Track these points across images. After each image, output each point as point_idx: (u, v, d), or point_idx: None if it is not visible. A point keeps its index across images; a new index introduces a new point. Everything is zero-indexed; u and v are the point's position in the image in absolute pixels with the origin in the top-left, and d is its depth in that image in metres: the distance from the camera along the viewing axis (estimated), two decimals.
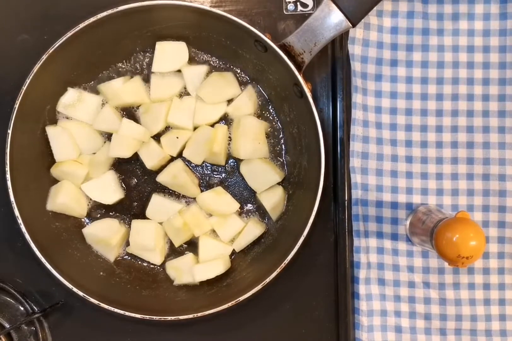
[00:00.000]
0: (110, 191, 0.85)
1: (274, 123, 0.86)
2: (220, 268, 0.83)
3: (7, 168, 0.77)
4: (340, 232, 0.84)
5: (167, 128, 0.86)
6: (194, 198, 0.86)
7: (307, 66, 0.76)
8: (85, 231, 0.85)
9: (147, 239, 0.84)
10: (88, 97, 0.85)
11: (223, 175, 0.87)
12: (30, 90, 0.77)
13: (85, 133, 0.85)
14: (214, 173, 0.87)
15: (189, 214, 0.84)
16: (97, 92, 0.86)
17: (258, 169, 0.84)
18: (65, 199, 0.83)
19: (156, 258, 0.85)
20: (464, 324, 0.83)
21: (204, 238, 0.85)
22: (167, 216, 0.85)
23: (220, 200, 0.84)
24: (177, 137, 0.84)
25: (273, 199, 0.85)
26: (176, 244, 0.85)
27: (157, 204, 0.85)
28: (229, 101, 0.86)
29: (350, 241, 0.83)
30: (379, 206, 0.83)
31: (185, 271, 0.84)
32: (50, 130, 0.84)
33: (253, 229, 0.85)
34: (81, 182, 0.85)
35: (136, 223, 0.85)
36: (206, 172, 0.87)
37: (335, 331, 0.85)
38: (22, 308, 0.85)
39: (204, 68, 0.85)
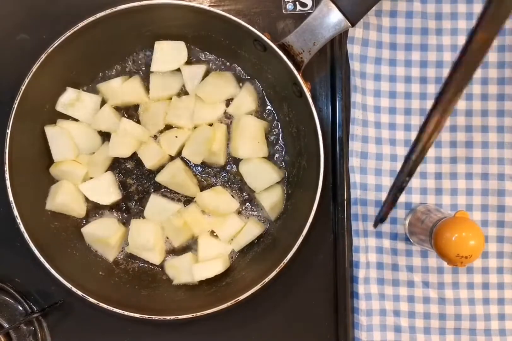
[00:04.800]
0: (107, 191, 0.85)
1: (273, 122, 0.86)
2: (219, 267, 0.83)
3: (6, 168, 0.77)
4: (339, 231, 0.84)
5: (166, 127, 0.86)
6: (194, 197, 0.85)
7: (306, 65, 0.76)
8: (84, 230, 0.85)
9: (146, 239, 0.84)
10: (87, 97, 0.85)
11: (222, 174, 0.87)
12: (29, 89, 0.77)
13: (84, 133, 0.85)
14: (213, 172, 0.87)
15: (188, 214, 0.84)
16: (96, 91, 0.86)
17: (257, 168, 0.84)
18: (64, 199, 0.83)
19: (155, 257, 0.85)
20: (464, 323, 0.83)
21: (203, 237, 0.85)
22: (165, 216, 0.84)
23: (220, 199, 0.84)
24: (176, 137, 0.84)
25: (272, 198, 0.85)
26: (176, 244, 0.85)
27: (155, 204, 0.85)
28: (228, 101, 0.86)
29: (349, 240, 0.83)
30: (378, 205, 0.83)
31: (184, 271, 0.84)
32: (49, 130, 0.84)
33: (253, 229, 0.85)
34: (80, 181, 0.85)
35: (135, 223, 0.85)
36: (205, 171, 0.87)
37: (334, 331, 0.85)
38: (21, 308, 0.85)
39: (203, 68, 0.85)
